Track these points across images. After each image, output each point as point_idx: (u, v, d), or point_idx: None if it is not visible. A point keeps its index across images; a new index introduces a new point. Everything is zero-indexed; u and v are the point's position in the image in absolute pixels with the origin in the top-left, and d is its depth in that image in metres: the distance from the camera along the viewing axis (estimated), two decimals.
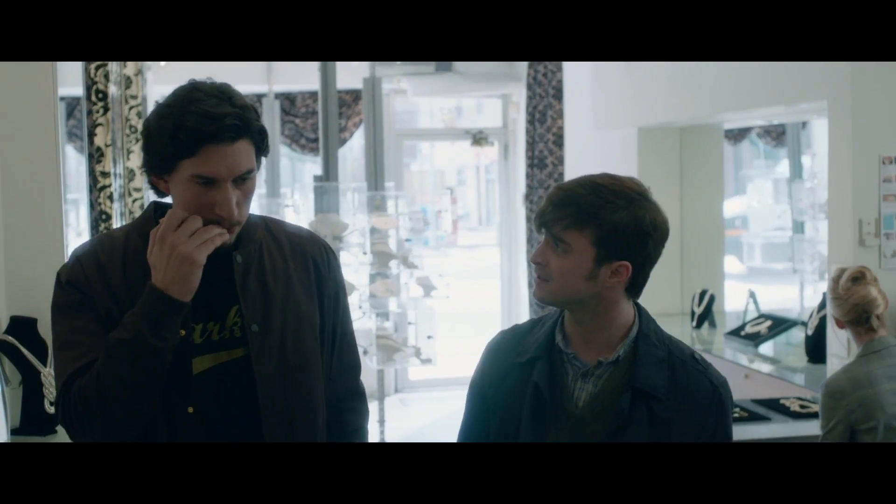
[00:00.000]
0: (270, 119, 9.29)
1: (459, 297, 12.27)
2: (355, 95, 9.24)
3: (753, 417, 4.36)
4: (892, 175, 4.62)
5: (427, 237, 15.86)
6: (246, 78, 8.85)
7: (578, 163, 8.18)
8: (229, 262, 2.24)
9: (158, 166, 2.14)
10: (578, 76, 7.99)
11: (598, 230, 2.08)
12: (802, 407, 4.44)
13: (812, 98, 4.90)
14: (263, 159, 2.23)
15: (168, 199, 2.26)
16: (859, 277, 3.79)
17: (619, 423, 2.11)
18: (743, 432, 4.17)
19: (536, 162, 8.73)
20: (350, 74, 8.56)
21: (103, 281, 2.19)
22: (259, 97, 9.30)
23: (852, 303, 3.75)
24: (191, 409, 2.17)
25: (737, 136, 10.32)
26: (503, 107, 10.14)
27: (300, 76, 8.85)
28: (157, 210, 2.27)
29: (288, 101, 9.68)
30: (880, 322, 3.76)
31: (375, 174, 7.33)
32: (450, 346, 9.36)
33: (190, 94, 2.10)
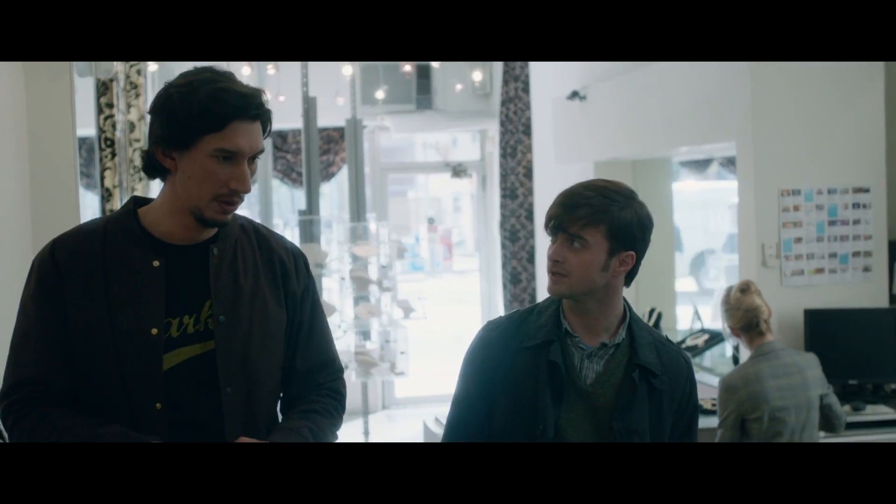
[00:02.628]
0: (264, 154, 9.96)
1: (445, 319, 12.91)
2: (342, 132, 9.91)
3: None
4: (790, 205, 5.32)
5: (422, 263, 16.57)
6: None
7: (546, 194, 8.87)
8: (206, 257, 2.28)
9: (177, 141, 2.16)
10: (544, 114, 8.70)
11: (610, 225, 2.35)
12: (713, 405, 5.12)
13: (723, 139, 5.60)
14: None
15: (152, 194, 2.40)
16: (745, 289, 4.45)
17: (629, 396, 2.40)
18: None
19: (509, 193, 9.45)
20: (336, 113, 9.25)
21: (78, 274, 2.20)
22: None
23: (743, 309, 4.38)
24: (159, 405, 2.19)
25: (700, 165, 10.98)
26: (481, 141, 10.87)
27: (291, 115, 9.50)
28: (137, 203, 2.31)
29: (280, 139, 10.39)
30: (767, 326, 4.40)
31: (357, 207, 8.03)
32: (434, 365, 10.03)
33: (212, 76, 2.17)
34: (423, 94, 10.10)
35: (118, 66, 5.84)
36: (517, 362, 2.43)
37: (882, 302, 5.48)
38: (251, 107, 2.17)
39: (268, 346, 2.33)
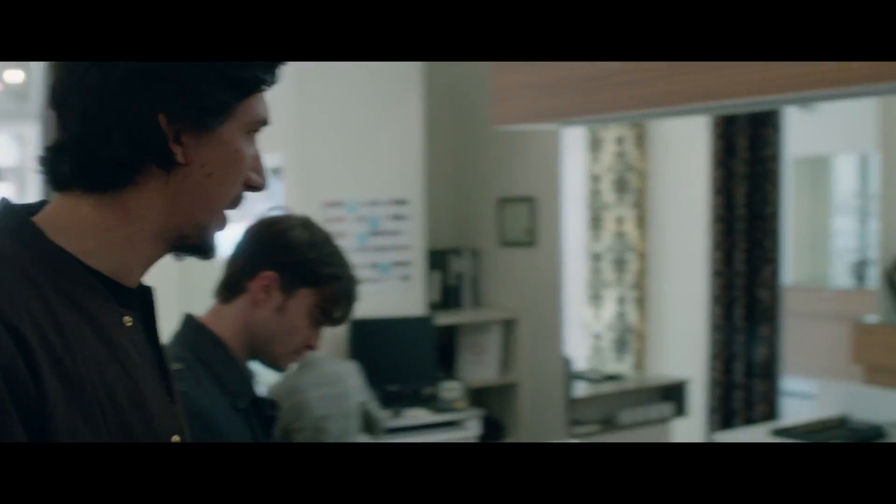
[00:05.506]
0: None
1: None
2: None
3: None
4: (334, 217, 5.43)
5: None
6: None
7: None
8: (147, 303, 1.38)
9: (209, 114, 1.25)
10: None
11: None
12: None
13: (270, 150, 5.56)
14: None
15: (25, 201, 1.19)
16: None
17: None
18: None
19: None
20: None
21: (51, 354, 1.14)
22: None
23: None
24: None
25: None
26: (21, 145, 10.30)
27: None
28: (30, 212, 1.25)
29: None
30: None
31: None
32: None
33: None
34: None
35: None
36: (240, 428, 2.01)
37: (420, 310, 5.73)
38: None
39: None
